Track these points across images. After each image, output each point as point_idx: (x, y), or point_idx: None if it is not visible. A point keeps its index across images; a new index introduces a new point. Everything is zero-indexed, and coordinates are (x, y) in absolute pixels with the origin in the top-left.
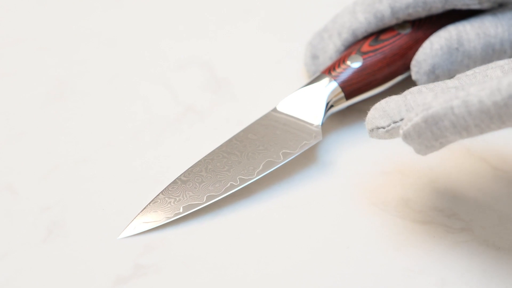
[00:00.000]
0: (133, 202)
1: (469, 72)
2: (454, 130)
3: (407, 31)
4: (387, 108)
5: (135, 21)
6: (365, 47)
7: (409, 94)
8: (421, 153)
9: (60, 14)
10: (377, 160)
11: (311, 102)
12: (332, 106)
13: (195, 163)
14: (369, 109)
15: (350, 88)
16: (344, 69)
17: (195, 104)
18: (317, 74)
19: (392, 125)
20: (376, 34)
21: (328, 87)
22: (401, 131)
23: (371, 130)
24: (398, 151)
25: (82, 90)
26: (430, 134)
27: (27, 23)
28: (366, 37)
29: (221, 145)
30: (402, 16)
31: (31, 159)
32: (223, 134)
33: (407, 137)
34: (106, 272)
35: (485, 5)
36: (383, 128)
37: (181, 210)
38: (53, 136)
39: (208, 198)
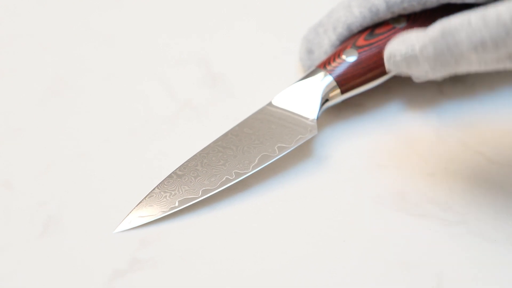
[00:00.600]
0: (130, 197)
1: None
2: (470, 44)
3: (402, 25)
4: (406, 38)
5: (132, 18)
6: (360, 41)
7: (430, 27)
8: (435, 73)
9: (58, 11)
10: (372, 154)
11: (306, 97)
12: (327, 100)
13: (190, 158)
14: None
15: (345, 82)
16: (340, 63)
17: (192, 100)
18: (313, 68)
19: (410, 51)
20: (371, 28)
21: (324, 81)
22: (417, 46)
23: (389, 59)
24: (394, 145)
25: (79, 86)
26: (446, 47)
27: (25, 20)
28: (361, 32)
29: (217, 140)
30: (397, 10)
31: (28, 155)
32: (219, 130)
33: (423, 51)
34: (102, 267)
35: None
36: (400, 54)
37: (176, 204)
38: (50, 132)
39: (204, 192)
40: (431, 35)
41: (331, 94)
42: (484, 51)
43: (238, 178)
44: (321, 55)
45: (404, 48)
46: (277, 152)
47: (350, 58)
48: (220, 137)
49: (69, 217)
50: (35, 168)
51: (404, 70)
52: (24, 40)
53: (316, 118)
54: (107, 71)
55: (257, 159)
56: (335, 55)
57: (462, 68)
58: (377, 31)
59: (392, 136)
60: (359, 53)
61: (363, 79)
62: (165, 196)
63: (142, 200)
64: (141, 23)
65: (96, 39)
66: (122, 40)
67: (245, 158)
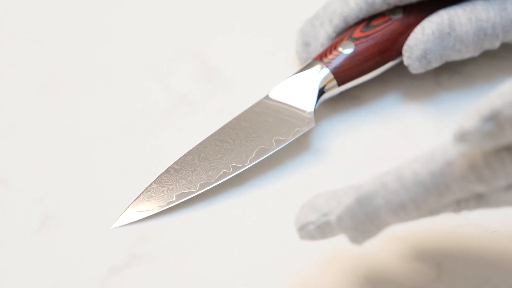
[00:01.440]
0: (127, 193)
1: None
2: (388, 207)
3: (398, 16)
4: (316, 203)
5: (127, 14)
6: (357, 33)
7: (340, 189)
8: (356, 241)
9: (54, 7)
10: (370, 146)
11: (303, 89)
12: (324, 92)
13: (187, 152)
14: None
15: (342, 74)
16: (336, 55)
17: (188, 95)
18: (309, 61)
19: (322, 218)
20: (368, 20)
21: (320, 73)
22: (332, 218)
23: (301, 229)
24: (391, 136)
25: (75, 82)
26: (364, 216)
27: (21, 16)
28: (357, 23)
29: (214, 133)
30: (393, 2)
31: (24, 151)
32: (216, 124)
33: (339, 222)
34: (100, 262)
35: None
36: (313, 223)
37: (174, 199)
38: (46, 128)
39: (201, 186)
40: (346, 205)
41: (328, 87)
42: (405, 213)
43: (235, 171)
44: (317, 48)
45: (315, 217)
46: (274, 145)
47: (346, 50)
48: (217, 130)
49: (65, 213)
50: (31, 164)
51: (318, 239)
52: (20, 36)
53: (313, 110)
54: (102, 66)
55: (254, 152)
56: (332, 47)
57: (382, 230)
58: (374, 22)
59: (389, 127)
60: (355, 45)
61: (360, 71)
62: (163, 191)
63: (139, 195)
64: (136, 18)
65: (91, 35)
66: (117, 35)
67: (243, 152)
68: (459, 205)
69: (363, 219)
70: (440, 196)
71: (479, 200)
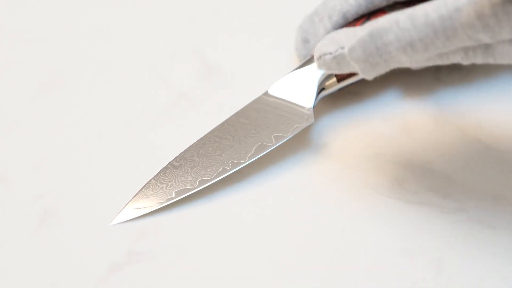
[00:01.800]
0: (126, 189)
1: None
2: (398, 44)
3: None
4: (336, 36)
5: (127, 11)
6: None
7: (360, 27)
8: (366, 74)
9: (53, 5)
10: (370, 142)
11: (302, 85)
12: (323, 88)
13: (187, 148)
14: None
15: None
16: None
17: (188, 92)
18: (308, 57)
19: (340, 50)
20: (367, 16)
21: (319, 70)
22: (346, 48)
23: (319, 58)
24: (391, 132)
25: (74, 80)
26: (375, 49)
27: (20, 14)
28: (356, 19)
29: (213, 130)
30: None
31: (23, 149)
32: (216, 121)
33: (351, 52)
34: (100, 260)
35: None
36: (330, 53)
37: (173, 195)
38: (45, 126)
39: (200, 183)
40: (359, 36)
41: (327, 83)
42: (413, 52)
43: (235, 168)
44: (316, 44)
45: (333, 48)
46: (273, 141)
47: None
48: (216, 127)
49: (65, 211)
50: (31, 162)
51: (335, 70)
52: (19, 34)
53: (312, 106)
54: (102, 64)
55: (253, 148)
56: None
57: (392, 67)
58: (373, 18)
59: (389, 124)
60: None
61: None
62: (162, 188)
63: (139, 191)
64: (136, 17)
65: (91, 33)
66: (117, 33)
67: (242, 148)
68: (467, 53)
69: (373, 52)
70: (447, 40)
71: (486, 51)
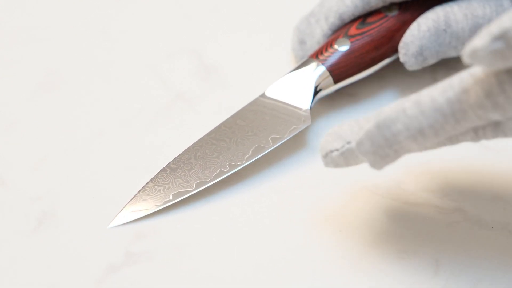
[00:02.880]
0: (125, 191)
1: None
2: (407, 133)
3: (394, 13)
4: (340, 131)
5: (124, 11)
6: (353, 30)
7: (363, 117)
8: (376, 166)
9: (52, 4)
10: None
11: (299, 87)
12: (320, 90)
13: (184, 151)
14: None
15: (338, 72)
16: (332, 53)
17: (185, 92)
18: (305, 58)
19: (346, 146)
20: (363, 17)
21: (316, 71)
22: (353, 142)
23: (325, 156)
24: None
25: (72, 80)
26: (383, 140)
27: (19, 13)
28: (353, 20)
29: (210, 132)
30: None
31: (21, 150)
32: (213, 122)
33: (360, 146)
34: (97, 261)
35: None
36: (337, 150)
37: (170, 198)
38: (43, 126)
39: (198, 185)
40: (366, 129)
41: (324, 84)
42: (423, 139)
43: (232, 170)
44: (313, 45)
45: (339, 144)
46: (271, 143)
47: (342, 47)
48: (213, 129)
49: (63, 212)
50: (28, 162)
51: (343, 166)
52: (17, 33)
53: (309, 108)
54: (100, 64)
55: (251, 150)
56: (327, 44)
57: (402, 155)
58: (369, 19)
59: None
60: (351, 42)
61: (356, 68)
62: (159, 190)
63: (136, 194)
64: (134, 16)
65: (89, 33)
66: (115, 33)
67: (239, 150)
68: (477, 133)
69: (382, 143)
70: (457, 123)
71: (496, 128)
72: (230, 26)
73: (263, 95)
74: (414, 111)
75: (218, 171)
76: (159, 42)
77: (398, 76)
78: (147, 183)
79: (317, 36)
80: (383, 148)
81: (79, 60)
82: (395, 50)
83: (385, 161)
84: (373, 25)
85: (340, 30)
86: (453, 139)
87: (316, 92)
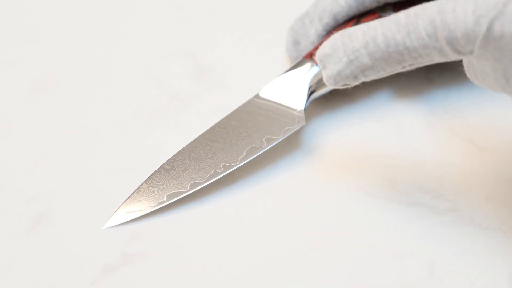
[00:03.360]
0: (121, 192)
1: None
2: (363, 38)
3: (388, 13)
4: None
5: (120, 12)
6: None
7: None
8: (329, 77)
9: (47, 6)
10: (361, 144)
11: (293, 87)
12: (314, 90)
13: (178, 152)
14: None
15: None
16: None
17: (180, 93)
18: (299, 59)
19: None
20: (357, 17)
21: (310, 71)
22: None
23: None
24: (382, 133)
25: (67, 81)
26: (341, 44)
27: (14, 14)
28: (347, 21)
29: (204, 133)
30: None
31: (16, 151)
32: (209, 122)
33: (320, 50)
34: (93, 262)
35: None
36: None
37: (165, 199)
38: (39, 127)
39: (192, 186)
40: (331, 37)
41: (318, 85)
42: (375, 47)
43: (226, 171)
44: (307, 46)
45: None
46: (265, 144)
47: None
48: (207, 130)
49: (58, 213)
50: (24, 163)
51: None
52: (13, 34)
53: (303, 109)
54: (95, 65)
55: (245, 151)
56: None
57: (357, 74)
58: (363, 20)
59: (381, 125)
60: None
61: None
62: (153, 191)
63: (130, 195)
64: (129, 17)
65: (84, 34)
66: (110, 34)
67: (233, 151)
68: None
69: (339, 47)
70: (407, 35)
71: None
72: (225, 27)
73: (257, 96)
74: (375, 22)
75: (212, 172)
76: (155, 43)
77: (392, 76)
78: (141, 184)
79: (311, 36)
80: (338, 52)
81: (76, 61)
82: None
83: (337, 69)
84: None
85: (334, 30)
86: (402, 61)
87: (310, 93)
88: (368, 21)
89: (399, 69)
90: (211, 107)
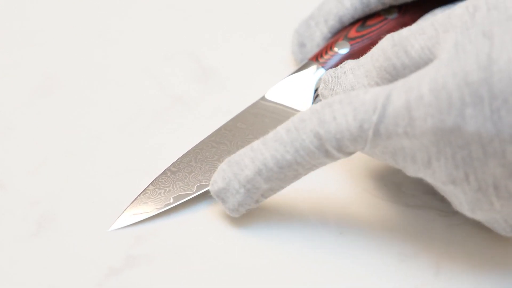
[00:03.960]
0: (124, 194)
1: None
2: (253, 166)
3: (393, 16)
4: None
5: (122, 15)
6: (352, 33)
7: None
8: (232, 209)
9: (48, 8)
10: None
11: (299, 90)
12: None
13: (184, 154)
14: None
15: None
16: (332, 55)
17: (184, 95)
18: (305, 61)
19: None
20: (363, 19)
21: (316, 74)
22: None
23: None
24: None
25: (70, 84)
26: (233, 175)
27: (15, 17)
28: (352, 23)
29: (210, 135)
30: (388, 1)
31: (19, 154)
32: (212, 124)
33: (213, 185)
34: (98, 265)
35: None
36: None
37: (171, 201)
38: (42, 130)
39: (198, 188)
40: (219, 168)
41: None
42: (268, 172)
43: None
44: (313, 48)
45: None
46: None
47: (342, 50)
48: (213, 132)
49: (62, 216)
50: (27, 166)
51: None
52: (15, 37)
53: None
54: (98, 67)
55: None
56: (327, 47)
57: (256, 200)
58: (369, 22)
59: None
60: (351, 45)
61: None
62: (160, 193)
63: (137, 197)
64: (131, 19)
65: (86, 36)
66: (112, 36)
67: None
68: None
69: (232, 179)
70: (296, 152)
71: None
72: (228, 28)
73: (263, 98)
74: (258, 145)
75: None
76: (157, 45)
77: None
78: (147, 186)
79: (316, 39)
80: (233, 184)
81: (77, 64)
82: None
83: (237, 202)
84: (373, 28)
85: (339, 33)
86: (298, 175)
87: (316, 95)
88: (373, 23)
89: (295, 180)
90: (214, 109)
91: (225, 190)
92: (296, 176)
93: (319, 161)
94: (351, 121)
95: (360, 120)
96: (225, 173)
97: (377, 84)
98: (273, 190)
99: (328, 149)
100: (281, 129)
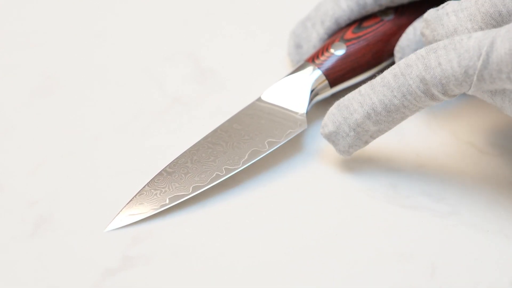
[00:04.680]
0: (121, 195)
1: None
2: (362, 110)
3: (390, 17)
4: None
5: (121, 15)
6: (348, 34)
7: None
8: (342, 151)
9: (47, 8)
10: (363, 148)
11: (295, 91)
12: (316, 94)
13: (180, 155)
14: None
15: (334, 76)
16: (328, 57)
17: (182, 96)
18: (301, 62)
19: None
20: (359, 21)
21: (312, 75)
22: (321, 129)
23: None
24: (384, 137)
25: (68, 84)
26: (342, 119)
27: (14, 18)
28: (349, 25)
29: (206, 136)
30: (385, 3)
31: (18, 154)
32: (211, 125)
33: (324, 128)
34: (94, 265)
35: None
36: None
37: (167, 202)
38: (40, 131)
39: (194, 189)
40: (328, 112)
41: (320, 88)
42: (376, 115)
43: (228, 174)
44: (309, 49)
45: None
46: (267, 147)
47: (338, 51)
48: (209, 133)
49: (60, 216)
50: (25, 167)
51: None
52: (13, 38)
53: (305, 112)
54: (96, 68)
55: (247, 154)
56: (324, 49)
57: (364, 140)
58: (365, 24)
59: None
60: (347, 46)
61: (352, 73)
62: (156, 194)
63: (132, 198)
64: (130, 20)
65: (85, 37)
66: (111, 37)
67: (235, 154)
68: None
69: (342, 122)
70: (404, 97)
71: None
72: (226, 29)
73: (259, 99)
74: (366, 89)
75: (214, 175)
76: (156, 46)
77: None
78: (143, 187)
79: (313, 40)
80: (343, 127)
81: (76, 65)
82: (391, 54)
83: (346, 143)
84: (369, 29)
85: (336, 34)
86: (405, 117)
87: (312, 96)
88: (369, 24)
89: (402, 121)
90: (212, 110)
91: (336, 133)
92: (403, 118)
93: (425, 103)
94: (456, 67)
95: (465, 66)
96: (335, 117)
97: (481, 29)
98: (381, 131)
99: (434, 93)
100: (388, 74)
